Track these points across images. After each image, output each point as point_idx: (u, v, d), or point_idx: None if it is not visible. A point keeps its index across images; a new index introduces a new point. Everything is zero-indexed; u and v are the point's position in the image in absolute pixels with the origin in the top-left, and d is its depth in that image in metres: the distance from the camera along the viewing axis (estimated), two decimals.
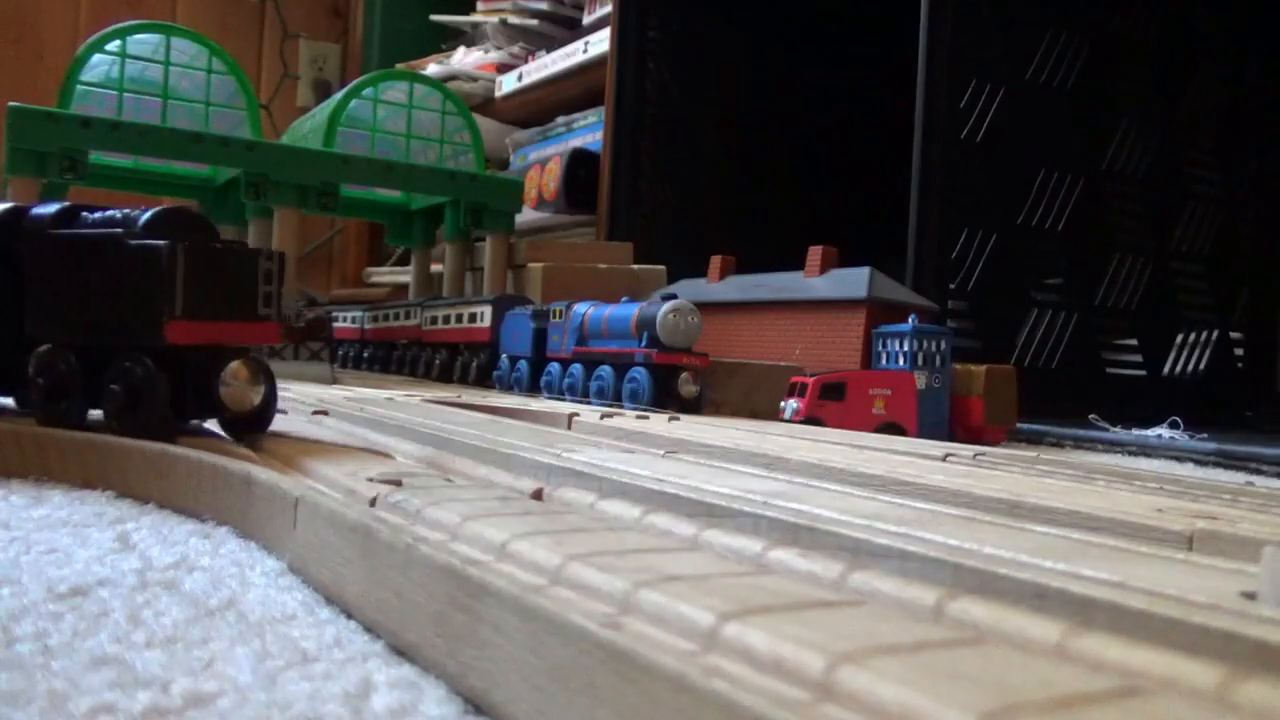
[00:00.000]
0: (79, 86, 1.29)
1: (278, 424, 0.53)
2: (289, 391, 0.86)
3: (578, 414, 0.78)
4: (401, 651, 0.27)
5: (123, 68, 1.31)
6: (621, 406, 0.88)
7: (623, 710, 0.19)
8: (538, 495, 0.39)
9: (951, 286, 1.31)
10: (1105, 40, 1.53)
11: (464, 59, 2.28)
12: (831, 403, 0.87)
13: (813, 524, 0.35)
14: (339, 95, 1.44)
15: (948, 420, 0.95)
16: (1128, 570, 0.27)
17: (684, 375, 0.88)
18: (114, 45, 1.31)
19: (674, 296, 0.90)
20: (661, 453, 0.55)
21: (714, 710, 0.17)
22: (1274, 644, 0.19)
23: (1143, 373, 1.58)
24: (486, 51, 2.25)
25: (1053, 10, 1.47)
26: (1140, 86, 1.59)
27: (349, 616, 0.30)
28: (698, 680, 0.17)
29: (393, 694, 0.23)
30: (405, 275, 1.95)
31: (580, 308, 0.99)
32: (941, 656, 0.18)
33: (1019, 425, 1.05)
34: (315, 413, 0.67)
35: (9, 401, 0.57)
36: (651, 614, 0.22)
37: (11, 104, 1.16)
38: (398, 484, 0.37)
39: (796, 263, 1.12)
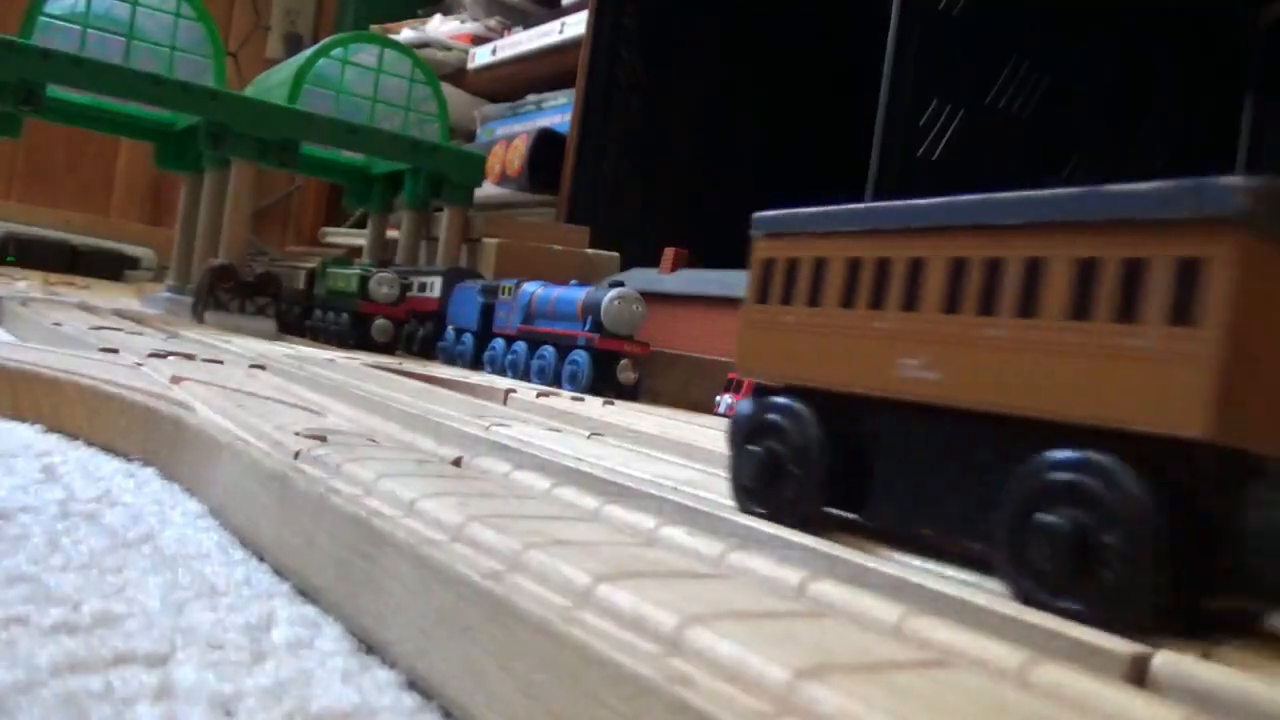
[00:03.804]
0: (42, 18, 1.27)
1: (214, 373, 0.54)
2: (231, 345, 0.86)
3: (515, 390, 0.80)
4: (306, 593, 0.28)
5: (89, 4, 1.30)
6: (560, 388, 0.90)
7: (494, 651, 0.21)
8: (457, 463, 0.41)
9: None
10: (1063, 73, 1.57)
11: (440, 27, 2.27)
12: None
13: (711, 510, 0.37)
14: (308, 52, 1.43)
15: None
16: None
17: (623, 361, 0.90)
18: None
19: (621, 284, 0.92)
20: (587, 434, 0.57)
21: (570, 652, 0.19)
22: (1068, 635, 0.22)
23: None
24: (463, 21, 2.25)
25: (1014, 39, 1.51)
26: (1094, 122, 1.64)
27: (261, 559, 0.31)
28: (559, 627, 0.19)
29: (292, 629, 0.25)
30: (361, 238, 1.95)
31: (529, 287, 1.01)
32: (782, 625, 0.21)
33: None
34: (252, 366, 0.68)
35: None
36: (535, 572, 0.24)
37: None
38: (323, 440, 0.39)
39: None
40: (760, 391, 0.35)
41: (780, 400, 0.33)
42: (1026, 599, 0.24)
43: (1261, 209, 0.22)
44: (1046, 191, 0.27)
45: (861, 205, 0.32)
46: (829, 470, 0.31)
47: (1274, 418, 0.23)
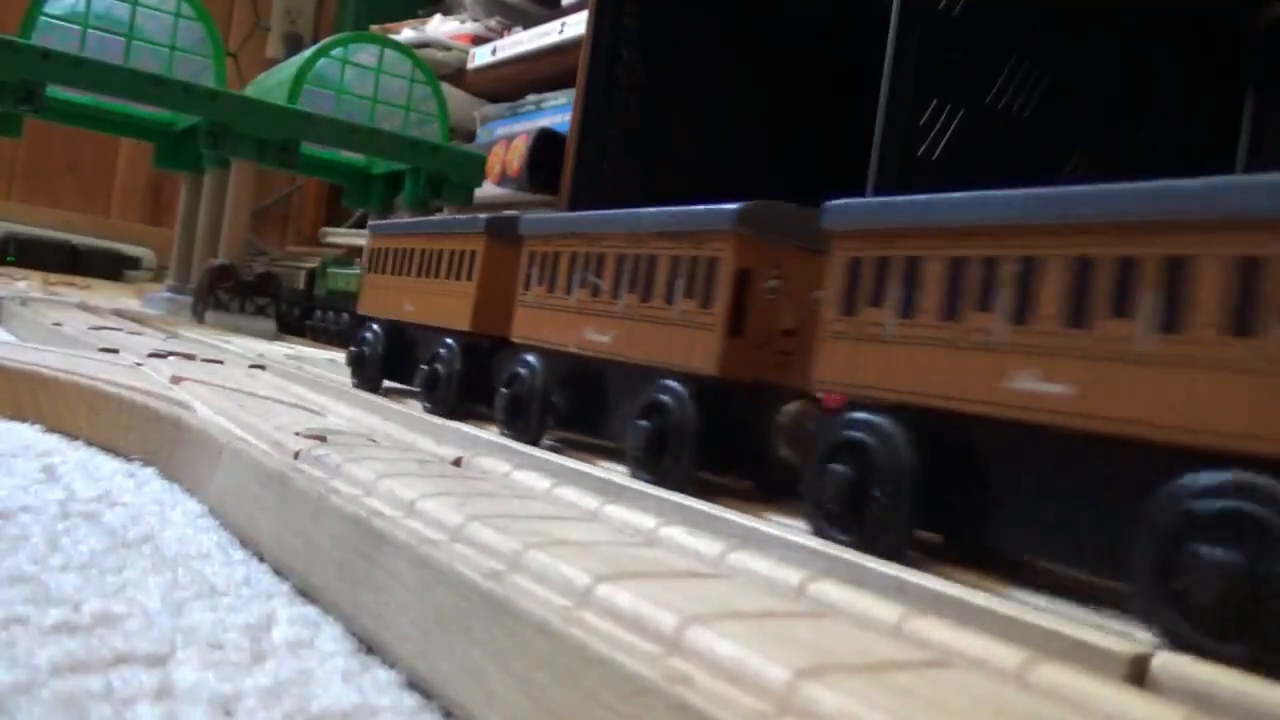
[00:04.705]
0: (42, 18, 1.27)
1: (214, 373, 0.54)
2: (230, 345, 0.86)
3: None
4: (306, 593, 0.28)
5: (89, 4, 1.30)
6: None
7: (494, 651, 0.21)
8: (457, 463, 0.41)
9: None
10: (1063, 73, 1.57)
11: (440, 27, 2.27)
12: None
13: (712, 511, 0.37)
14: (308, 53, 1.43)
15: None
16: None
17: None
18: None
19: None
20: None
21: (570, 652, 0.19)
22: (1068, 635, 0.22)
23: None
24: (463, 21, 2.24)
25: (1014, 39, 1.51)
26: (1094, 122, 1.64)
27: (260, 559, 0.31)
28: (559, 627, 0.19)
29: (292, 629, 0.25)
30: (361, 238, 1.95)
31: None
32: (782, 625, 0.21)
33: None
34: (252, 366, 0.68)
35: None
36: (535, 572, 0.24)
37: None
38: (323, 440, 0.39)
39: None
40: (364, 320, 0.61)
41: (373, 325, 0.59)
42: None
43: (494, 229, 0.51)
44: (465, 216, 0.54)
45: (407, 220, 0.54)
46: (384, 359, 0.58)
47: (494, 320, 0.49)
